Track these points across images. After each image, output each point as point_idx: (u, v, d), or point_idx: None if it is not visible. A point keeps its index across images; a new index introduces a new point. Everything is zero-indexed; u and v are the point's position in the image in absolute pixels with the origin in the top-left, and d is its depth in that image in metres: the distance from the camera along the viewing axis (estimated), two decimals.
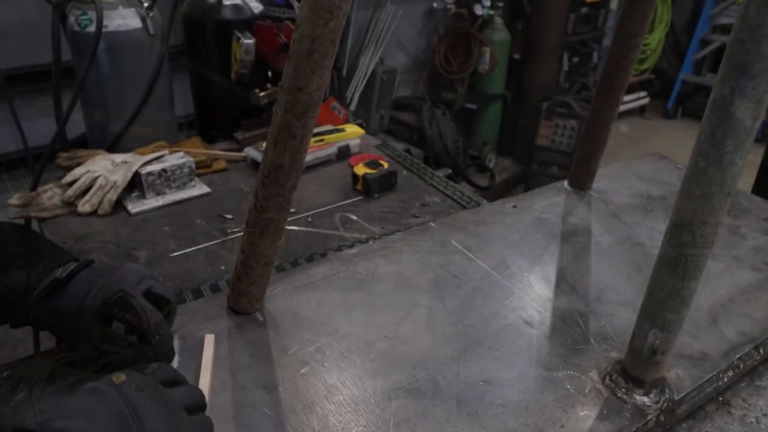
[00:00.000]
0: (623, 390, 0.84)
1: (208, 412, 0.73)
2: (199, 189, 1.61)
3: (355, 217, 1.51)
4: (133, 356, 0.81)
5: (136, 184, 1.55)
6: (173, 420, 0.64)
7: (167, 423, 0.63)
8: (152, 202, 1.53)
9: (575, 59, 4.69)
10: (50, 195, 1.53)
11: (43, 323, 0.84)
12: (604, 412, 0.81)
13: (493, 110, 4.42)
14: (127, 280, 0.83)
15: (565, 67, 4.57)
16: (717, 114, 0.64)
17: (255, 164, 1.74)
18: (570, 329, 0.97)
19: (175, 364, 0.86)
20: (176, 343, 0.89)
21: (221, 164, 1.74)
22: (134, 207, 1.51)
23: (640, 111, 5.65)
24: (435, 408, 0.81)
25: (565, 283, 1.08)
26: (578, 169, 1.39)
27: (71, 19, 1.69)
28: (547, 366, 0.89)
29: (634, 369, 0.83)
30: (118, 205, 1.51)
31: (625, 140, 5.17)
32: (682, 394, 0.85)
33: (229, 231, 1.43)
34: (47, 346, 0.92)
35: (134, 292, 0.82)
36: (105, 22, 1.64)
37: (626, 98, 5.09)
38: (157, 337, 0.81)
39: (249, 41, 1.75)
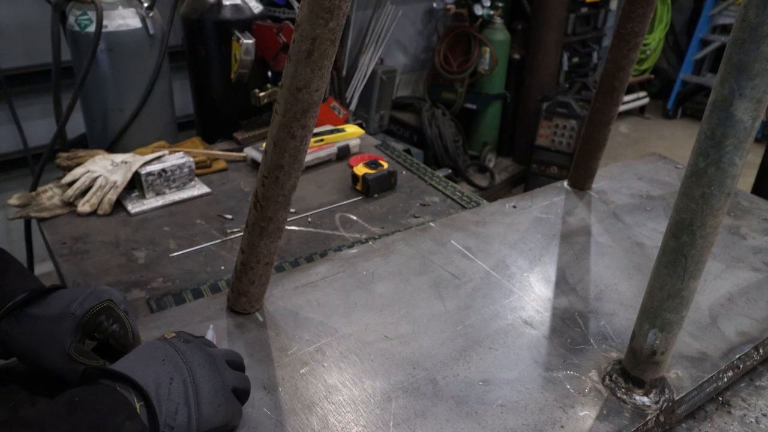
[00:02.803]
0: (623, 390, 0.84)
1: None
2: (198, 189, 1.61)
3: (355, 217, 1.51)
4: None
5: (135, 184, 1.55)
6: (217, 367, 0.73)
7: (211, 367, 0.72)
8: (152, 202, 1.53)
9: (575, 59, 4.69)
10: (50, 195, 1.53)
11: (9, 339, 0.78)
12: (604, 412, 0.81)
13: (493, 110, 4.42)
14: (113, 294, 0.83)
15: (565, 67, 4.57)
16: (717, 114, 0.64)
17: (255, 164, 1.74)
18: (570, 329, 0.97)
19: None
20: (210, 333, 0.92)
21: (221, 164, 1.74)
22: (134, 207, 1.51)
23: (640, 111, 5.65)
24: (435, 408, 0.81)
25: (565, 283, 1.08)
26: (578, 169, 1.39)
27: (71, 19, 1.69)
28: (547, 366, 0.89)
29: (634, 369, 0.83)
30: (118, 205, 1.51)
31: (625, 140, 5.17)
32: (682, 394, 0.85)
33: (229, 231, 1.43)
34: None
35: (120, 306, 0.83)
36: (105, 22, 1.64)
37: (626, 98, 5.10)
38: None
39: (249, 41, 1.75)
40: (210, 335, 0.91)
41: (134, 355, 0.71)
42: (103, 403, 0.62)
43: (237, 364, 0.78)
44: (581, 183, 1.40)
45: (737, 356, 0.92)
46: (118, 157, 1.60)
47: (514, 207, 1.33)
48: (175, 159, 1.59)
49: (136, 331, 0.84)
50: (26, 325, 0.78)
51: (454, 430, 0.78)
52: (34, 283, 0.83)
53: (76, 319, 0.78)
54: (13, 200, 1.50)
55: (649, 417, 0.81)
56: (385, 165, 1.65)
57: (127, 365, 0.68)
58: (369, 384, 0.85)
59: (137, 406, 0.63)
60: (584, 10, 4.58)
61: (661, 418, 0.83)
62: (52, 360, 0.77)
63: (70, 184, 1.52)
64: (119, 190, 1.50)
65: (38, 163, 1.70)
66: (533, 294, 1.05)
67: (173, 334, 0.74)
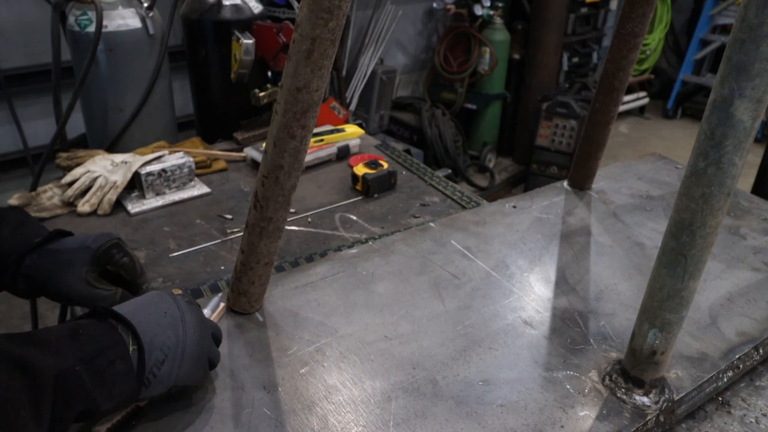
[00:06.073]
0: (623, 390, 0.84)
1: (206, 413, 0.78)
2: (198, 189, 1.61)
3: (354, 217, 1.51)
4: (120, 299, 0.92)
5: (135, 184, 1.55)
6: (205, 334, 0.80)
7: (201, 333, 0.79)
8: (152, 202, 1.53)
9: (575, 59, 4.69)
10: (50, 195, 1.53)
11: (35, 273, 0.92)
12: (604, 412, 0.81)
13: (493, 110, 4.42)
14: (120, 237, 0.99)
15: (565, 67, 4.57)
16: (717, 114, 0.64)
17: (255, 164, 1.74)
18: (570, 329, 0.97)
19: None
20: (215, 301, 0.98)
21: (221, 164, 1.74)
22: (134, 207, 1.51)
23: (640, 111, 5.66)
24: (435, 408, 0.81)
25: (564, 283, 1.08)
26: (578, 169, 1.39)
27: (71, 19, 1.69)
28: (546, 366, 0.89)
29: (634, 369, 0.83)
30: (118, 205, 1.51)
31: (625, 140, 5.18)
32: (682, 394, 0.85)
33: (228, 231, 1.43)
34: None
35: (126, 246, 0.99)
36: (105, 22, 1.64)
37: (626, 98, 5.10)
38: (147, 284, 0.99)
39: (249, 41, 1.75)
40: (214, 303, 0.96)
41: (142, 301, 0.78)
42: (103, 339, 0.69)
43: (217, 339, 0.85)
44: (581, 183, 1.40)
45: (737, 356, 0.92)
46: (118, 157, 1.60)
47: (514, 207, 1.33)
48: (175, 159, 1.59)
49: (141, 265, 0.99)
50: (49, 258, 0.92)
51: (454, 430, 0.78)
52: (47, 230, 0.97)
53: (92, 251, 0.93)
54: (13, 200, 1.50)
55: (649, 417, 0.81)
56: (385, 165, 1.65)
57: (132, 309, 0.75)
58: (369, 384, 0.85)
59: (131, 349, 0.71)
60: (584, 10, 4.59)
61: (661, 418, 0.83)
62: (73, 285, 0.91)
63: (70, 184, 1.52)
64: (119, 190, 1.50)
65: (38, 163, 1.70)
66: (533, 294, 1.05)
67: (180, 291, 0.82)
